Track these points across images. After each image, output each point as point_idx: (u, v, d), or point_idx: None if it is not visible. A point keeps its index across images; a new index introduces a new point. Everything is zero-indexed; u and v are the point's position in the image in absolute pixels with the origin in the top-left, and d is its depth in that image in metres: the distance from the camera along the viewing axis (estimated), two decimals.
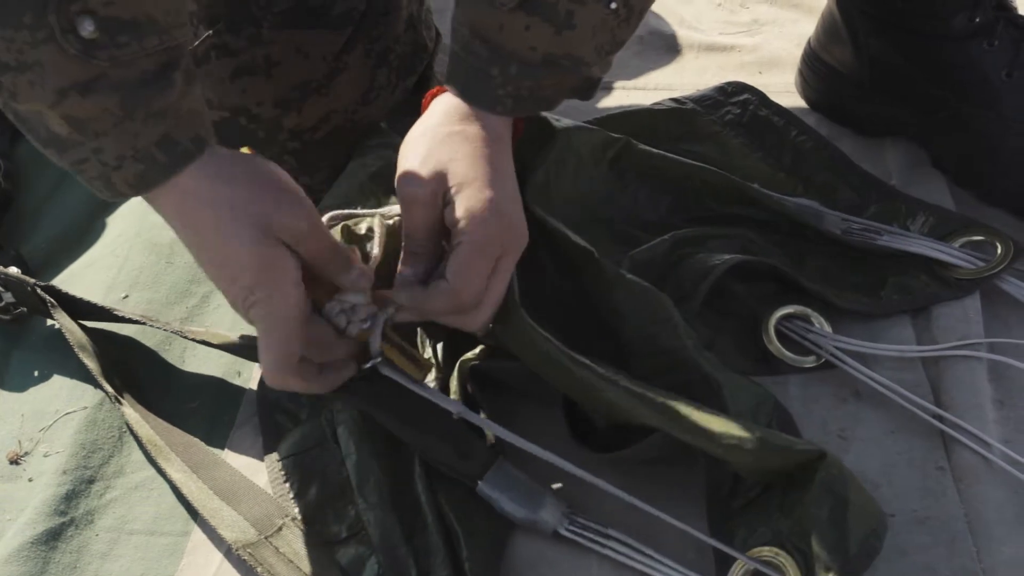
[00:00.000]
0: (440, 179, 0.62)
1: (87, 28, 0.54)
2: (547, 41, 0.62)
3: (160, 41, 0.56)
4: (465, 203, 0.61)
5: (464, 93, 0.64)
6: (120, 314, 0.76)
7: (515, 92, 0.64)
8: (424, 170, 0.62)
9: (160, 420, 0.71)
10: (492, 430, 0.64)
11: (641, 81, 1.02)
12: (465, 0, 0.63)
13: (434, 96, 0.68)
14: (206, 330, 0.77)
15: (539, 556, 0.64)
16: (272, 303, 0.59)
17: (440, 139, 0.63)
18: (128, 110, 0.56)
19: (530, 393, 0.70)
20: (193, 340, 0.76)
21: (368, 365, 0.63)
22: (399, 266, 0.64)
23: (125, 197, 0.60)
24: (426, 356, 0.68)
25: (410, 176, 0.62)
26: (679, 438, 0.60)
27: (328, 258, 0.61)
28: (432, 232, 0.63)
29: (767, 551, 0.59)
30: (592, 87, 0.68)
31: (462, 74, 0.64)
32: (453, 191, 0.61)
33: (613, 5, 0.62)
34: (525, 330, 0.64)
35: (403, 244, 0.64)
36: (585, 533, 0.63)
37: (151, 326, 0.77)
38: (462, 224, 0.60)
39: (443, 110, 0.65)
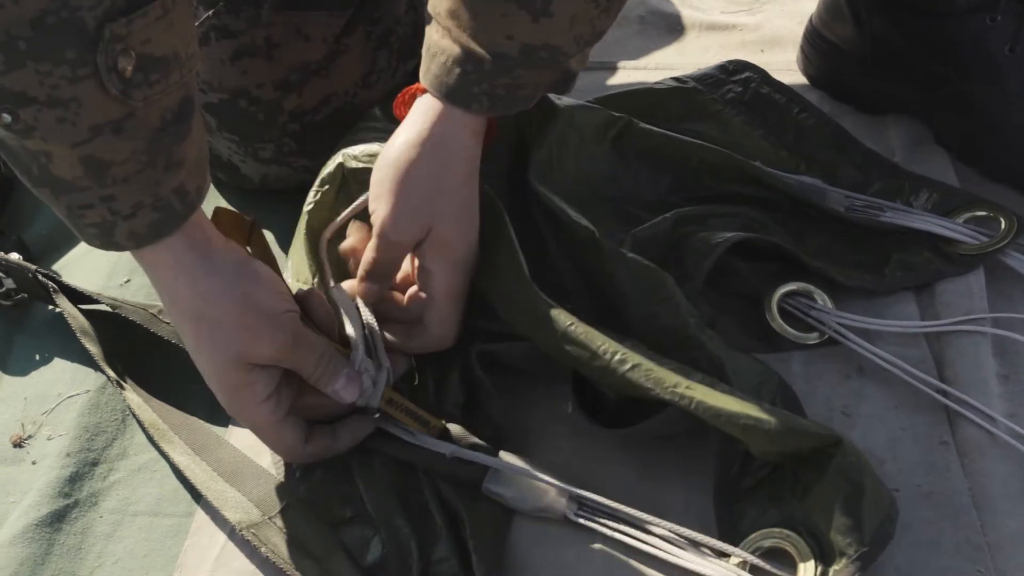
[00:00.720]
0: (423, 230, 0.65)
1: (128, 67, 0.53)
2: (524, 30, 0.61)
3: (180, 75, 0.57)
4: (444, 263, 0.66)
5: (439, 90, 0.64)
6: (117, 306, 0.76)
7: (490, 91, 0.63)
8: (409, 221, 0.65)
9: (162, 403, 0.71)
10: (488, 463, 0.64)
11: (643, 61, 1.01)
12: None
13: (411, 95, 0.67)
14: None
15: (543, 534, 0.63)
16: (245, 418, 0.63)
17: (424, 176, 0.64)
18: (152, 155, 0.57)
19: (538, 373, 0.70)
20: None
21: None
22: (360, 276, 0.68)
23: (113, 249, 0.59)
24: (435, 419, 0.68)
25: (395, 224, 0.65)
26: (692, 413, 0.60)
27: (311, 372, 0.63)
28: (399, 264, 0.68)
29: (776, 532, 0.59)
30: (570, 80, 0.67)
31: (436, 70, 0.63)
32: (434, 247, 0.66)
33: None
34: (539, 307, 0.64)
35: (367, 261, 0.67)
36: (594, 517, 0.63)
37: (150, 313, 0.76)
38: (441, 280, 0.66)
39: (423, 117, 0.65)
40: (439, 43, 0.63)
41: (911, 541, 0.60)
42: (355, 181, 0.73)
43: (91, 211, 0.57)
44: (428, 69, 0.64)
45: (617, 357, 0.62)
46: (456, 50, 0.62)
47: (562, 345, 0.64)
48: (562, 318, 0.64)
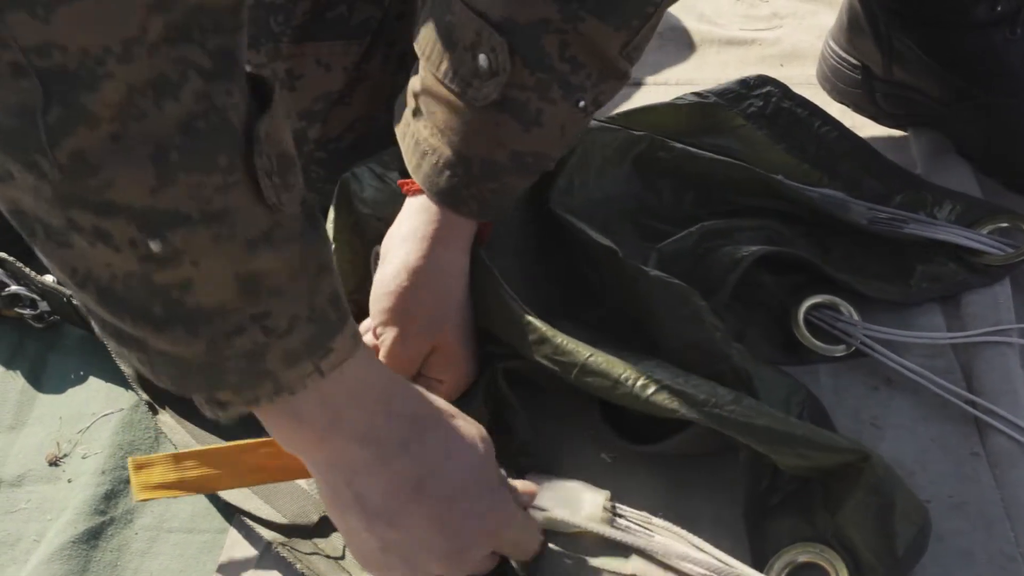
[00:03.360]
0: (429, 348, 0.67)
1: (272, 169, 0.46)
2: (515, 139, 0.62)
3: (300, 173, 0.49)
4: (451, 370, 0.68)
5: (430, 190, 0.65)
6: None
7: (479, 195, 0.64)
8: (415, 343, 0.66)
9: (195, 426, 0.72)
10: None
11: (662, 76, 1.02)
12: (431, 92, 0.63)
13: (409, 189, 0.67)
14: None
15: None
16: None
17: (428, 303, 0.66)
18: (304, 262, 0.48)
19: (564, 390, 0.70)
20: None
21: None
22: None
23: (254, 405, 0.50)
24: None
25: (403, 348, 0.66)
26: (721, 430, 0.60)
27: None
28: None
29: (810, 546, 0.59)
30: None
31: (427, 169, 0.64)
32: (440, 358, 0.67)
33: (582, 103, 0.62)
34: (559, 344, 0.64)
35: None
36: (630, 527, 0.62)
37: None
38: (449, 385, 0.68)
39: (420, 234, 0.66)
40: (429, 141, 0.64)
41: (944, 552, 0.60)
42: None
43: (240, 338, 0.47)
44: (419, 167, 0.65)
45: (640, 383, 0.62)
46: (447, 152, 0.63)
47: (583, 378, 0.64)
48: (580, 351, 0.64)
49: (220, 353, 0.47)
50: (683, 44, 1.05)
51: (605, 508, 0.63)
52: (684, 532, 0.62)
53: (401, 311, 0.66)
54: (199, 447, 0.68)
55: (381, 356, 0.67)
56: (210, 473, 0.64)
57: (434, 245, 0.65)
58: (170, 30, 0.41)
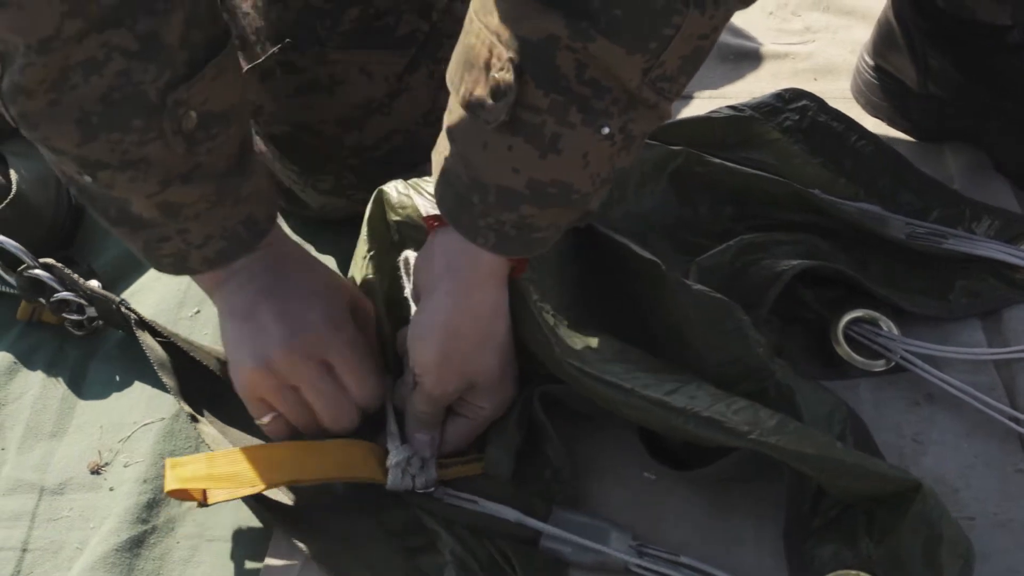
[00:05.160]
0: (467, 384, 0.67)
1: (189, 126, 0.60)
2: (531, 165, 0.57)
3: (238, 125, 0.64)
4: (491, 398, 0.68)
5: (449, 217, 0.63)
6: (192, 350, 0.76)
7: (496, 226, 0.60)
8: (454, 380, 0.66)
9: (241, 433, 0.72)
10: (550, 532, 0.64)
11: (695, 90, 1.02)
12: (454, 116, 0.60)
13: (436, 221, 0.66)
14: None
15: None
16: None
17: (467, 348, 0.65)
18: (220, 196, 0.64)
19: (600, 416, 0.69)
20: None
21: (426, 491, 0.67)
22: (410, 429, 0.69)
23: (188, 273, 0.68)
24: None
25: (442, 387, 0.66)
26: (768, 454, 0.60)
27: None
28: (444, 410, 0.69)
29: (853, 574, 0.59)
30: (586, 217, 0.64)
31: (449, 197, 0.62)
32: (479, 393, 0.68)
33: (606, 130, 0.56)
34: (594, 387, 0.64)
35: (417, 414, 0.68)
36: (656, 566, 0.62)
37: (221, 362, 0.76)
38: (486, 409, 0.68)
39: (452, 255, 0.64)
40: (452, 167, 0.61)
41: (990, 571, 0.60)
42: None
43: (167, 243, 0.65)
44: (443, 196, 0.62)
45: (680, 415, 0.61)
46: (465, 179, 0.60)
47: (623, 411, 0.64)
48: (622, 382, 0.63)
49: (153, 253, 0.66)
50: (715, 57, 1.05)
51: (631, 546, 0.63)
52: (713, 569, 0.61)
53: (438, 362, 0.65)
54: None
55: (418, 396, 0.67)
56: (238, 470, 0.65)
57: (469, 289, 0.64)
58: (96, 22, 0.56)
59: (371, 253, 0.73)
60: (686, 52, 0.55)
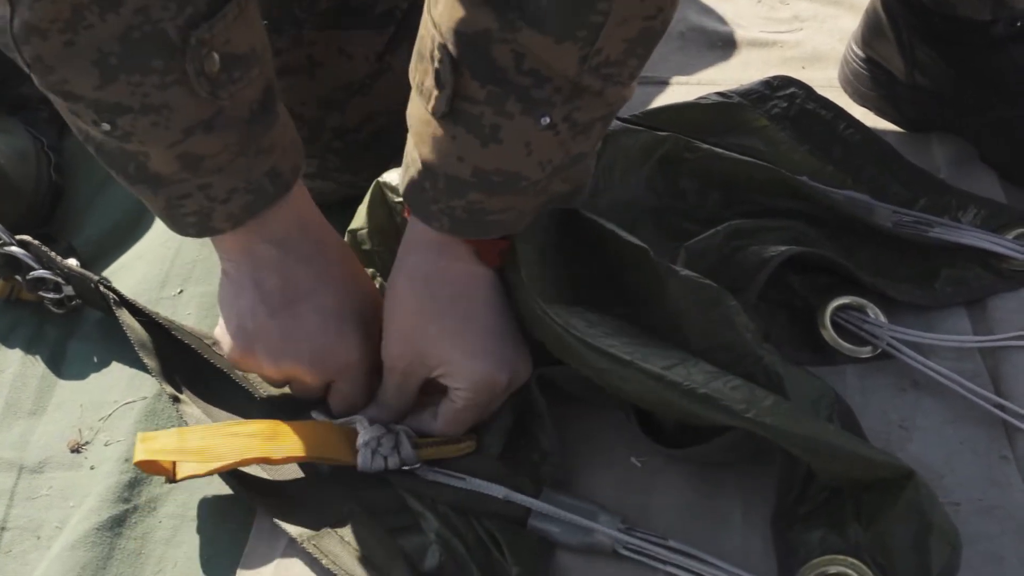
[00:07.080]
0: (420, 363, 0.66)
1: (213, 69, 0.58)
2: (474, 154, 0.58)
3: (260, 71, 0.61)
4: (465, 386, 0.65)
5: (407, 201, 0.64)
6: (175, 328, 0.75)
7: (448, 211, 0.61)
8: (406, 354, 0.66)
9: (223, 413, 0.71)
10: (540, 509, 0.64)
11: (684, 76, 1.02)
12: (411, 104, 0.61)
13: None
14: None
15: (591, 569, 0.63)
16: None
17: (426, 315, 0.65)
18: (243, 146, 0.62)
19: (593, 400, 0.69)
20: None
21: (409, 468, 0.67)
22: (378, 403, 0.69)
23: (211, 234, 0.65)
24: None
25: (394, 356, 0.66)
26: (761, 435, 0.60)
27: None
28: (414, 395, 0.69)
29: (841, 559, 0.60)
30: (573, 195, 0.65)
31: (407, 180, 0.63)
32: (449, 381, 0.65)
33: (546, 120, 0.56)
34: (591, 361, 0.64)
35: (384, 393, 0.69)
36: (644, 547, 0.62)
37: (206, 343, 0.75)
38: (460, 399, 0.66)
39: (411, 234, 0.65)
40: (411, 154, 0.62)
41: (974, 555, 0.60)
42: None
43: (189, 200, 0.63)
44: (403, 182, 0.64)
45: (679, 388, 0.61)
46: (419, 165, 0.61)
47: (620, 387, 0.64)
48: (618, 354, 0.63)
49: (175, 211, 0.63)
50: (704, 45, 1.05)
51: (619, 529, 0.63)
52: (701, 553, 0.61)
53: (395, 339, 0.66)
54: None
55: (384, 376, 0.68)
56: (208, 445, 0.65)
57: (427, 271, 0.65)
58: None
59: (372, 240, 0.74)
60: (630, 35, 0.54)
